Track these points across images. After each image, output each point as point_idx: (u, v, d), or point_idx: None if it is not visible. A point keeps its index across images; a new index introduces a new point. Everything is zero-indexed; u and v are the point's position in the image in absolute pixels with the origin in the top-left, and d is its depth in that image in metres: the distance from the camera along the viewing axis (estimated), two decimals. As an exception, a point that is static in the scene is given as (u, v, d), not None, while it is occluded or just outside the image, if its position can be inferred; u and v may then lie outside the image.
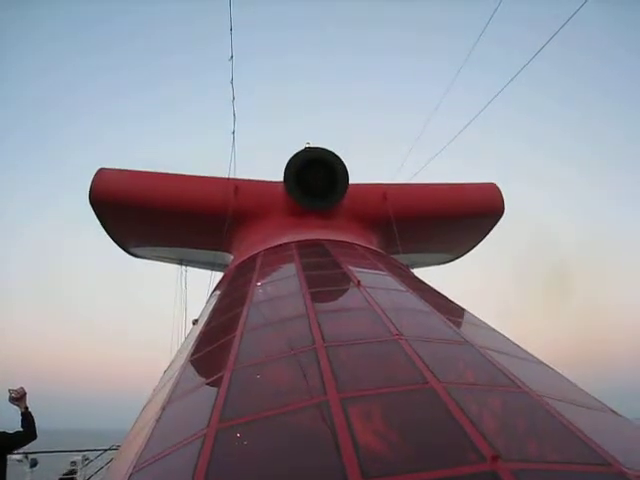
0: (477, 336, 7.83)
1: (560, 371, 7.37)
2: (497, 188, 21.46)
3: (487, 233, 22.70)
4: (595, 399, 6.27)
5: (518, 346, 8.07)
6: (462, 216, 21.35)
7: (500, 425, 4.71)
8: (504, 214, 21.37)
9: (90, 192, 18.38)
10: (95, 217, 19.16)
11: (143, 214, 19.17)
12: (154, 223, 19.80)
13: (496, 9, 14.31)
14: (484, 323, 9.33)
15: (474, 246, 23.90)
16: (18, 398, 9.83)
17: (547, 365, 7.49)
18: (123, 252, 22.17)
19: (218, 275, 18.76)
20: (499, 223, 21.83)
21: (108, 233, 20.50)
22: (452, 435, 4.38)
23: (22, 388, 9.95)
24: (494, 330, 8.95)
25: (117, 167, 19.60)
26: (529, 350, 8.00)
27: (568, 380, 7.00)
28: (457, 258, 25.16)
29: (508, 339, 8.43)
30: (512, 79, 15.12)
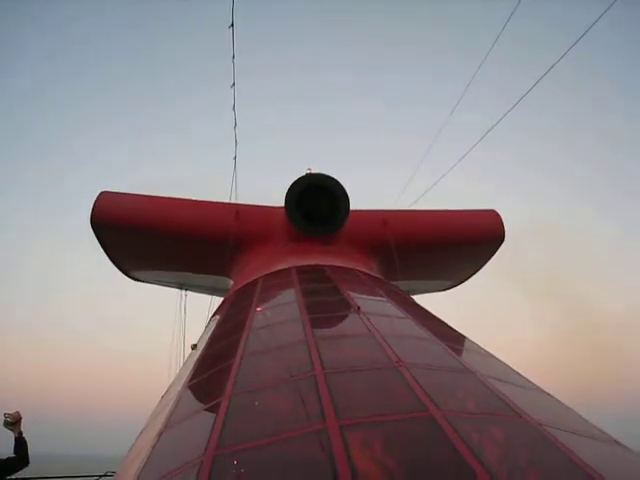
0: (478, 364, 7.78)
1: (564, 399, 7.30)
2: (498, 215, 21.49)
3: (488, 260, 22.67)
4: (598, 429, 6.19)
5: (519, 374, 8.01)
6: (463, 243, 21.36)
7: (501, 455, 4.65)
8: (505, 240, 21.37)
9: (92, 215, 18.42)
10: (95, 240, 19.18)
11: (144, 238, 19.21)
12: (155, 247, 19.82)
13: (501, 31, 14.52)
14: (485, 350, 9.27)
15: (475, 273, 23.85)
16: (13, 423, 9.69)
17: (549, 394, 7.42)
18: (123, 275, 22.14)
19: (218, 300, 18.72)
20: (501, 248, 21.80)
21: (108, 256, 20.49)
22: (452, 465, 4.32)
23: (18, 413, 9.80)
24: (495, 357, 8.89)
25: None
26: (534, 378, 7.94)
27: (571, 409, 6.93)
28: (458, 285, 25.09)
29: (509, 367, 8.37)
30: (517, 102, 15.23)
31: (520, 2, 13.82)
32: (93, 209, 18.45)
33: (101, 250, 19.91)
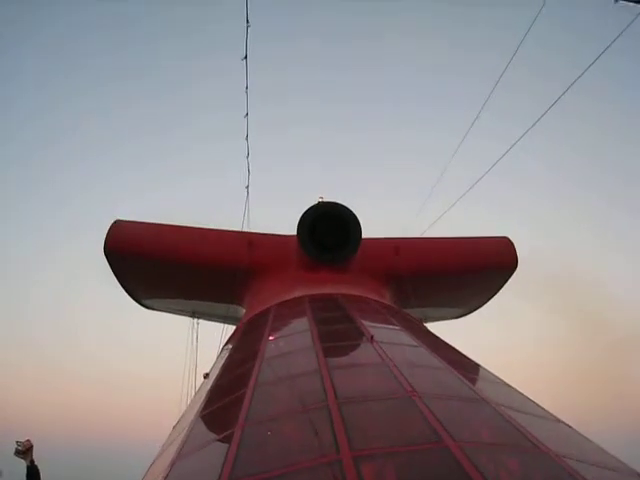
0: (492, 392, 7.69)
1: (582, 430, 7.18)
2: (510, 242, 21.34)
3: (501, 287, 22.47)
4: (617, 459, 6.07)
5: (535, 403, 7.90)
6: (475, 270, 21.23)
7: None
8: (517, 268, 21.22)
9: (105, 244, 18.48)
10: (109, 268, 19.25)
11: (157, 266, 19.28)
12: (168, 276, 19.89)
13: (512, 58, 14.62)
14: (499, 379, 9.16)
15: (488, 300, 23.63)
16: (24, 451, 9.58)
17: (566, 423, 7.30)
18: (135, 303, 22.20)
19: (230, 328, 18.69)
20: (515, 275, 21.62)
21: (121, 284, 20.54)
22: None
23: (29, 441, 9.69)
24: (510, 386, 8.78)
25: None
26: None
27: (588, 439, 6.81)
28: (471, 312, 24.85)
29: (524, 395, 8.26)
30: (528, 130, 15.25)
31: (529, 31, 13.97)
32: (107, 238, 18.49)
33: (108, 277, 19.90)
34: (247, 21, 12.70)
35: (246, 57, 13.35)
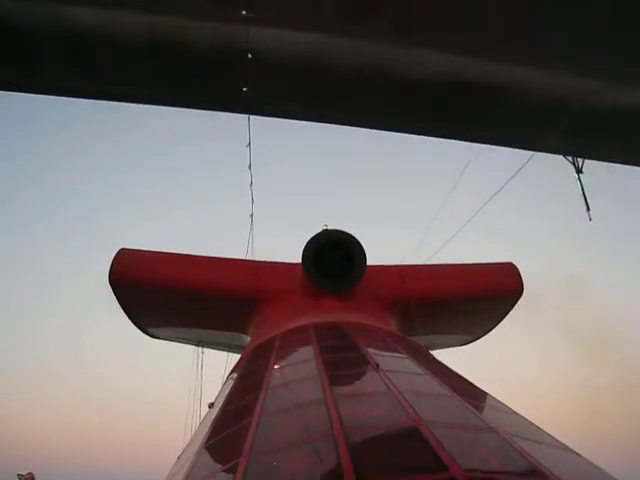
0: (500, 421, 7.61)
1: (590, 457, 7.08)
2: (515, 268, 21.27)
3: (507, 313, 22.35)
4: None
5: (544, 431, 7.81)
6: (480, 296, 21.14)
7: None
8: (523, 294, 21.13)
9: (110, 273, 18.56)
10: (113, 296, 19.28)
11: (162, 295, 19.31)
12: (173, 304, 19.90)
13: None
14: (507, 407, 9.08)
15: (494, 326, 23.48)
16: None
17: (575, 452, 7.20)
18: (140, 332, 22.17)
19: (235, 357, 18.61)
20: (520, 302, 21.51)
21: (126, 313, 20.56)
22: None
23: (31, 474, 9.67)
24: (518, 414, 8.69)
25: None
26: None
27: (597, 467, 6.72)
28: (477, 339, 24.68)
29: (533, 424, 8.17)
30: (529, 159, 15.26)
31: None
32: (112, 266, 18.60)
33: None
34: None
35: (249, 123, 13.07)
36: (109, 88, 7.90)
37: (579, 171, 11.37)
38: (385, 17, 6.81)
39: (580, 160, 11.30)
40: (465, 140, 9.57)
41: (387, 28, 7.05)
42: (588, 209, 11.79)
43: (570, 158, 11.34)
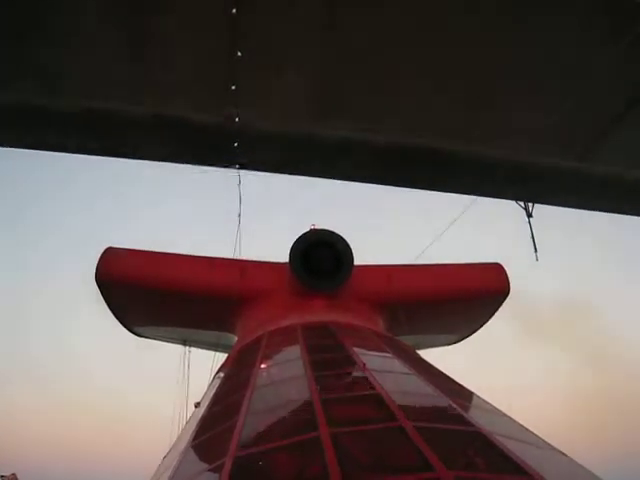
0: (487, 421, 7.65)
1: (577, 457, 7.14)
2: (502, 268, 21.38)
3: (493, 313, 22.48)
4: None
5: (531, 431, 7.86)
6: (467, 296, 21.21)
7: None
8: (509, 294, 21.26)
9: (97, 272, 18.40)
10: (100, 295, 19.13)
11: (149, 295, 19.19)
12: (160, 303, 19.78)
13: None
14: (494, 407, 9.13)
15: (480, 327, 23.61)
16: None
17: (561, 452, 7.26)
18: (126, 331, 22.03)
19: (221, 356, 18.53)
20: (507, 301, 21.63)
21: (112, 312, 20.41)
22: None
23: (14, 475, 9.58)
24: (504, 414, 8.74)
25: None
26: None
27: (583, 467, 6.78)
28: (463, 339, 24.78)
29: (519, 424, 8.22)
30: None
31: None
32: (98, 265, 18.44)
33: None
34: None
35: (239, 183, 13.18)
36: (123, 149, 9.36)
37: (529, 215, 11.72)
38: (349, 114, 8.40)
39: (530, 204, 11.64)
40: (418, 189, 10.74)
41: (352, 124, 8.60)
42: (536, 250, 12.33)
43: (522, 203, 11.61)
